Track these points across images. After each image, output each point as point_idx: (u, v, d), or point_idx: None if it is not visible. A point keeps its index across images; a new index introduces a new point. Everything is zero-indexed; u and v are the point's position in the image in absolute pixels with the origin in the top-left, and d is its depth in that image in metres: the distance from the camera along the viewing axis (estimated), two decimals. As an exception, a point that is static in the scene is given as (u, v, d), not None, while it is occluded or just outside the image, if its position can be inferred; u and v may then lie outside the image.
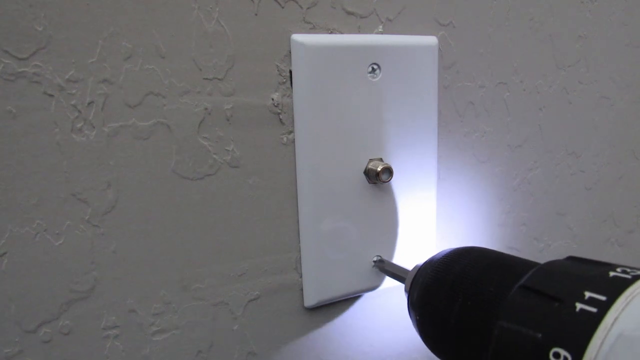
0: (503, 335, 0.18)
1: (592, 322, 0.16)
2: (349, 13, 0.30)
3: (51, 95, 0.23)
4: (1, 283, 0.24)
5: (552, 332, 0.16)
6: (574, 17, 0.41)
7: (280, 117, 0.29)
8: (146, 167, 0.26)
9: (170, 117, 0.26)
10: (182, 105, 0.26)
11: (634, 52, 0.46)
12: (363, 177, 0.31)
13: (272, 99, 0.29)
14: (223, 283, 0.29)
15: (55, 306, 0.25)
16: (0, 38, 0.22)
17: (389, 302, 0.36)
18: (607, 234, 0.49)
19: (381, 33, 0.32)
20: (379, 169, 0.30)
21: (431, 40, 0.32)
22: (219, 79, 0.27)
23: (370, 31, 0.31)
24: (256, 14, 0.28)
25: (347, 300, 0.34)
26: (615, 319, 0.15)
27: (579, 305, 0.16)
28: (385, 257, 0.33)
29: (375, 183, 0.31)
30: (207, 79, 0.27)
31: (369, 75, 0.30)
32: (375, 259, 0.33)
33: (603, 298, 0.16)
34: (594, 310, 0.16)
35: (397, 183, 0.33)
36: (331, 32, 0.30)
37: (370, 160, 0.31)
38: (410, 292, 0.26)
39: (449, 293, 0.23)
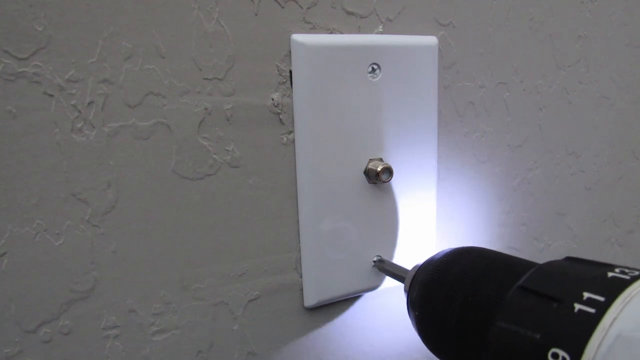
0: (502, 335, 0.18)
1: (590, 323, 0.16)
2: (349, 13, 0.30)
3: (51, 95, 0.23)
4: (1, 283, 0.24)
5: (551, 332, 0.16)
6: (574, 17, 0.41)
7: (280, 117, 0.29)
8: (146, 167, 0.26)
9: (170, 117, 0.26)
10: (182, 105, 0.26)
11: (634, 52, 0.46)
12: (363, 177, 0.31)
13: (272, 99, 0.29)
14: (223, 283, 0.29)
15: (55, 306, 0.25)
16: (0, 38, 0.22)
17: (389, 302, 0.36)
18: (607, 234, 0.49)
19: (381, 33, 0.32)
20: (379, 169, 0.30)
21: (431, 40, 0.32)
22: (219, 79, 0.27)
23: (370, 31, 0.31)
24: (256, 14, 0.28)
25: (347, 300, 0.34)
26: (614, 319, 0.15)
27: (577, 306, 0.16)
28: (385, 257, 0.33)
29: (375, 183, 0.31)
30: (207, 79, 0.27)
31: (369, 75, 0.30)
32: (375, 259, 0.33)
33: (601, 299, 0.16)
34: (592, 311, 0.16)
35: (397, 183, 0.33)
36: (331, 32, 0.30)
37: (370, 160, 0.31)
38: (409, 292, 0.26)
39: (449, 293, 0.23)
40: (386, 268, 0.31)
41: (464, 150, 0.37)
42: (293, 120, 0.30)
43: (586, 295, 0.17)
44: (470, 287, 0.22)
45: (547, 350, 0.16)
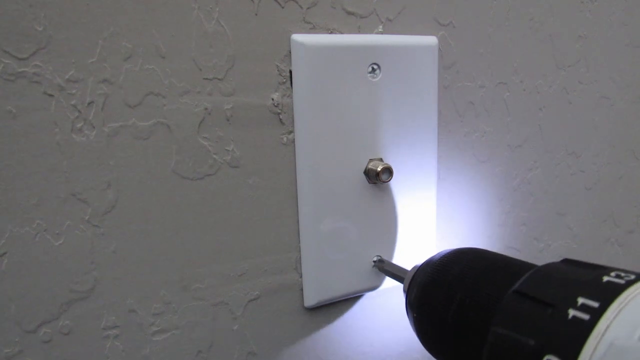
0: (497, 340, 0.18)
1: (584, 330, 0.15)
2: (349, 13, 0.30)
3: (51, 95, 0.23)
4: (1, 283, 0.24)
5: (545, 339, 0.16)
6: (574, 17, 0.41)
7: (280, 117, 0.29)
8: (146, 167, 0.26)
9: (170, 117, 0.26)
10: (182, 105, 0.26)
11: (634, 52, 0.46)
12: (363, 177, 0.31)
13: (272, 99, 0.29)
14: (223, 283, 0.29)
15: (55, 306, 0.25)
16: (0, 38, 0.22)
17: (389, 302, 0.36)
18: (607, 234, 0.49)
19: (381, 33, 0.32)
20: (379, 169, 0.30)
21: (431, 40, 0.32)
22: (219, 79, 0.27)
23: (370, 31, 0.31)
24: (256, 14, 0.28)
25: (347, 300, 0.34)
26: (607, 327, 0.15)
27: (571, 312, 0.16)
28: (385, 257, 0.33)
29: (375, 183, 0.31)
30: (207, 79, 0.27)
31: (369, 75, 0.30)
32: (375, 259, 0.33)
33: (595, 304, 0.16)
34: (586, 317, 0.16)
35: (397, 183, 0.33)
36: (331, 32, 0.30)
37: (370, 160, 0.31)
38: (408, 292, 0.26)
39: (447, 293, 0.23)
40: (386, 268, 0.31)
41: (464, 150, 0.37)
42: (293, 120, 0.30)
43: (580, 300, 0.16)
44: (468, 288, 0.22)
45: (542, 357, 0.16)
